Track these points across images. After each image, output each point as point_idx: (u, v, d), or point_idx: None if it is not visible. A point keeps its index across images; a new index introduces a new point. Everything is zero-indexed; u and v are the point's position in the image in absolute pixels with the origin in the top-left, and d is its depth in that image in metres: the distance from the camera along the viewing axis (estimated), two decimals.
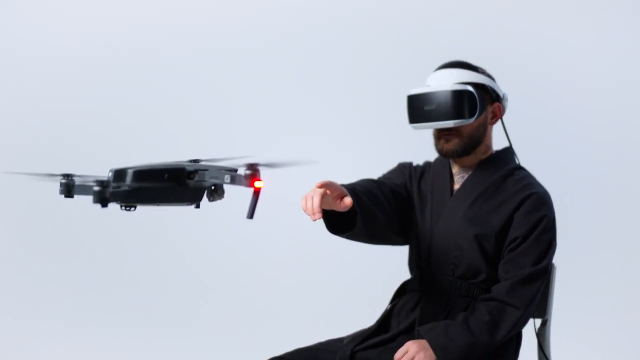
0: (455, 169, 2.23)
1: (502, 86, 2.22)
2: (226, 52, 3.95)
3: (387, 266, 2.84)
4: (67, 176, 1.71)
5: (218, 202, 1.89)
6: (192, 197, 1.82)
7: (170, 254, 3.96)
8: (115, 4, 4.01)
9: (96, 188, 1.69)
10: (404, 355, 2.00)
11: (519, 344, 2.18)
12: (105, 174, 1.71)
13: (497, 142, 2.24)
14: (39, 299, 3.93)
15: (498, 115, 2.21)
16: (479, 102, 2.12)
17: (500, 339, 2.03)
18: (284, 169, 1.92)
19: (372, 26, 3.91)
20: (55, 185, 1.72)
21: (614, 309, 3.70)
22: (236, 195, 2.03)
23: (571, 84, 3.80)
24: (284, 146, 3.74)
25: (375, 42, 3.90)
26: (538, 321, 2.26)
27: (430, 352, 2.00)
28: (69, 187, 1.70)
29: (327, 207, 1.95)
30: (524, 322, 2.08)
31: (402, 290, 2.24)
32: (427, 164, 2.30)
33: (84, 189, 1.71)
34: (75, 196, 1.71)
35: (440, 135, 2.17)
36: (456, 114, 2.10)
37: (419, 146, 2.40)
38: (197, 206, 1.86)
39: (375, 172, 2.32)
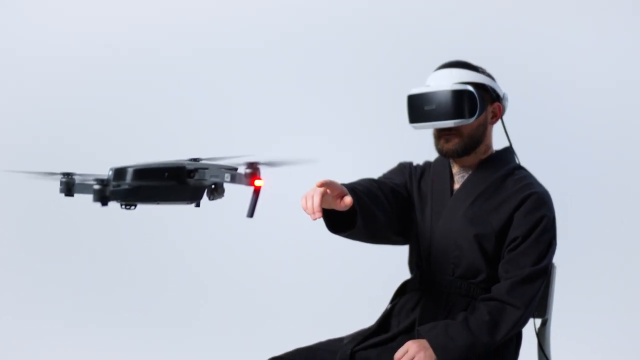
0: (455, 169, 2.23)
1: (502, 86, 2.22)
2: (226, 52, 3.95)
3: (387, 266, 2.84)
4: (67, 175, 1.71)
5: (218, 201, 1.89)
6: (192, 195, 1.82)
7: (170, 253, 3.96)
8: (115, 4, 4.01)
9: (96, 187, 1.69)
10: (404, 355, 2.00)
11: (519, 343, 2.18)
12: (105, 174, 1.71)
13: (497, 142, 2.24)
14: (39, 299, 3.93)
15: (498, 115, 2.21)
16: (479, 101, 2.12)
17: (501, 339, 2.03)
18: (284, 168, 1.92)
19: (372, 26, 3.91)
20: (56, 184, 1.72)
21: (614, 309, 3.70)
22: (236, 194, 2.03)
23: (571, 84, 3.80)
24: (284, 146, 3.74)
25: (375, 42, 3.90)
26: (538, 321, 2.26)
27: (430, 351, 1.99)
28: (69, 186, 1.70)
29: (327, 207, 1.94)
30: (524, 322, 2.07)
31: (402, 290, 2.24)
32: (427, 164, 2.30)
33: (84, 188, 1.71)
34: (76, 195, 1.71)
35: (440, 135, 2.17)
36: (456, 113, 2.09)
37: (419, 146, 2.40)
38: (197, 205, 1.86)
39: (375, 172, 2.32)
